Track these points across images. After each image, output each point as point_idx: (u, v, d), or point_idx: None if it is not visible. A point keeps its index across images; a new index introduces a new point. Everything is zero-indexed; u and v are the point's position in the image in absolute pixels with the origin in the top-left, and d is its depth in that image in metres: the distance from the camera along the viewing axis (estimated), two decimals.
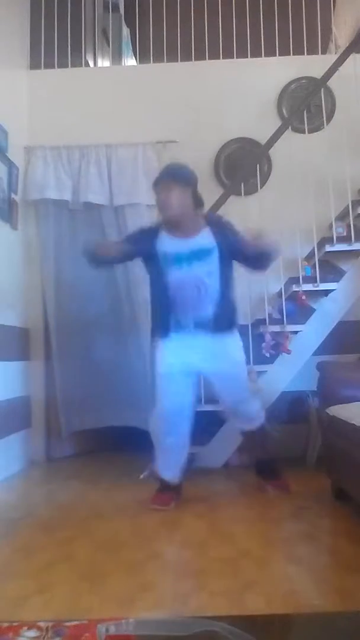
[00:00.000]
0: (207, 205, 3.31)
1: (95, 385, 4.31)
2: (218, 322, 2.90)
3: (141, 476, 3.48)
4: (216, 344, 2.91)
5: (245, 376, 3.09)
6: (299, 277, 3.88)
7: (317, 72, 4.17)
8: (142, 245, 2.92)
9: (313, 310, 3.91)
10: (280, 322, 3.89)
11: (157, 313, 3.00)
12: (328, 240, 3.94)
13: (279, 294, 4.00)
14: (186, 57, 4.61)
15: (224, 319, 2.93)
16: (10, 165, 4.10)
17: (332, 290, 3.89)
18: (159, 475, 3.06)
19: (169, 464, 3.02)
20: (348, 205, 3.97)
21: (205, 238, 2.89)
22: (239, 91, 4.49)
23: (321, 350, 3.86)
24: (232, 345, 3.01)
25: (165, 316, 2.92)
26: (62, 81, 4.60)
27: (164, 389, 2.95)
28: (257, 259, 2.86)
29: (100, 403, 4.34)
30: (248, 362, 3.76)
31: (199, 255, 2.84)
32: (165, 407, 2.94)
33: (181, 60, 4.62)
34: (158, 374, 2.97)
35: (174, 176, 2.89)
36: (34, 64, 4.60)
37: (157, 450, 3.04)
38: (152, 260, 2.91)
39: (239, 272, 3.09)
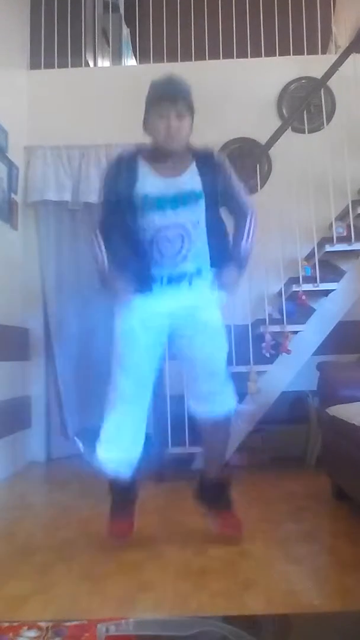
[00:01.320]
0: None
1: (96, 384, 4.29)
2: (199, 280, 2.38)
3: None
4: (195, 306, 2.38)
5: (225, 349, 2.47)
6: (299, 277, 3.87)
7: (317, 72, 4.17)
8: (124, 199, 2.35)
9: (313, 310, 3.91)
10: (280, 322, 3.89)
11: (123, 265, 2.37)
12: (328, 240, 3.94)
13: (279, 294, 3.99)
14: (186, 57, 4.61)
15: (205, 278, 2.40)
16: (10, 165, 4.10)
17: (332, 290, 3.89)
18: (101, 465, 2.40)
19: (118, 444, 2.38)
20: (348, 205, 3.97)
21: (192, 178, 2.39)
22: (239, 91, 4.48)
23: (321, 350, 3.86)
24: (213, 310, 2.44)
25: (137, 270, 2.36)
26: (62, 81, 4.60)
27: (127, 350, 2.40)
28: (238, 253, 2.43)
29: (100, 402, 4.33)
30: (247, 362, 3.79)
31: (185, 199, 2.34)
32: (127, 369, 2.41)
33: (181, 60, 4.61)
34: (122, 334, 2.41)
35: (188, 100, 2.39)
36: (34, 64, 4.60)
37: (105, 424, 2.44)
38: (128, 201, 2.34)
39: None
